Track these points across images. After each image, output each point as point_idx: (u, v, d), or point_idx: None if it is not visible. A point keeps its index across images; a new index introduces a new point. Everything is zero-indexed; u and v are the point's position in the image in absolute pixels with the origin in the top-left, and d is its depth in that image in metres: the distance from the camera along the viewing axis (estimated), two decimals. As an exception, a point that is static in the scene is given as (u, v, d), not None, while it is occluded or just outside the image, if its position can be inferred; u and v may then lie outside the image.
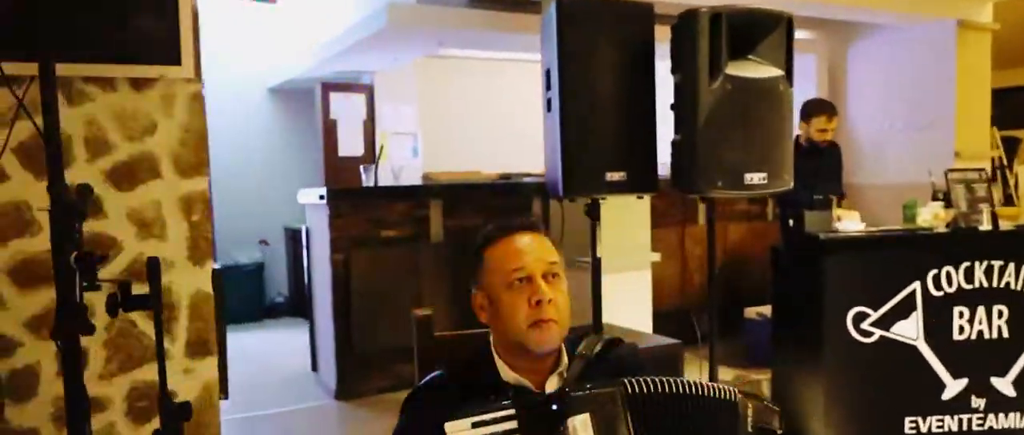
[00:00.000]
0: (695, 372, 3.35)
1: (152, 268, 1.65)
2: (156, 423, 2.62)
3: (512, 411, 1.21)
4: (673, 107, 2.89)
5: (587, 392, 1.23)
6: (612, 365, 1.41)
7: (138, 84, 2.59)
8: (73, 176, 2.50)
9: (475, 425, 1.21)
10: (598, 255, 3.03)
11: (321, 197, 3.91)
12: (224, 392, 3.51)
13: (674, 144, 2.88)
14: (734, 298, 5.00)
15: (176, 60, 2.55)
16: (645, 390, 1.25)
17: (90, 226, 2.52)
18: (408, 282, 4.04)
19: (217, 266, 3.43)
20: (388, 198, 4.15)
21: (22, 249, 2.44)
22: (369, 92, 6.36)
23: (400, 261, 4.03)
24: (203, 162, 2.71)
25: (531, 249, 1.39)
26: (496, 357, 1.39)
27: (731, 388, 1.32)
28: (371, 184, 4.33)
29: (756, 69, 2.77)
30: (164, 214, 2.63)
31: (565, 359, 1.42)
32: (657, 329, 3.96)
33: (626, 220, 3.81)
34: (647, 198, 3.79)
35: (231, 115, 6.67)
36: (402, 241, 4.10)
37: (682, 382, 1.28)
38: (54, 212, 1.71)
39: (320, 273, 4.17)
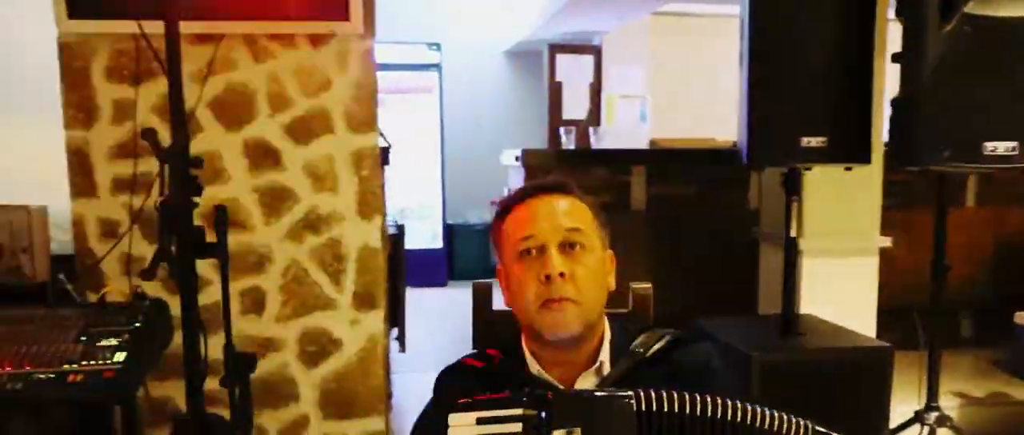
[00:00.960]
0: (910, 385, 2.78)
1: (219, 218, 1.66)
2: (325, 367, 2.76)
3: (519, 412, 1.00)
4: (895, 58, 2.36)
5: (585, 398, 0.99)
6: (673, 369, 1.13)
7: (316, 41, 2.67)
8: (257, 130, 2.67)
9: (479, 421, 1.02)
10: (792, 235, 2.60)
11: (516, 159, 3.85)
12: (401, 346, 3.63)
13: (893, 104, 2.36)
14: (1008, 297, 4.15)
15: (344, 15, 2.59)
16: (666, 408, 0.97)
17: (271, 177, 2.68)
18: (603, 251, 3.85)
19: (392, 225, 3.51)
20: (587, 162, 3.98)
21: (214, 195, 2.65)
22: (597, 54, 6.18)
23: (595, 228, 3.86)
24: (372, 118, 2.74)
25: (545, 214, 1.17)
26: (524, 345, 1.18)
27: (807, 425, 0.98)
28: (572, 147, 4.18)
29: (1007, 6, 2.16)
30: (336, 168, 2.71)
31: (605, 354, 1.17)
32: (887, 328, 3.37)
33: (851, 196, 3.26)
34: (877, 169, 3.21)
35: (467, 78, 6.88)
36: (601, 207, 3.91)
37: (736, 407, 0.98)
38: (171, 163, 1.78)
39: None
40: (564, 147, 4.30)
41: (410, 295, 3.97)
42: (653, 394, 1.00)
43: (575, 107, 6.15)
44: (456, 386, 1.17)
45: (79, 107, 2.59)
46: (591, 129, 4.97)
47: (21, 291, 2.47)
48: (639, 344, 1.17)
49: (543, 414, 0.98)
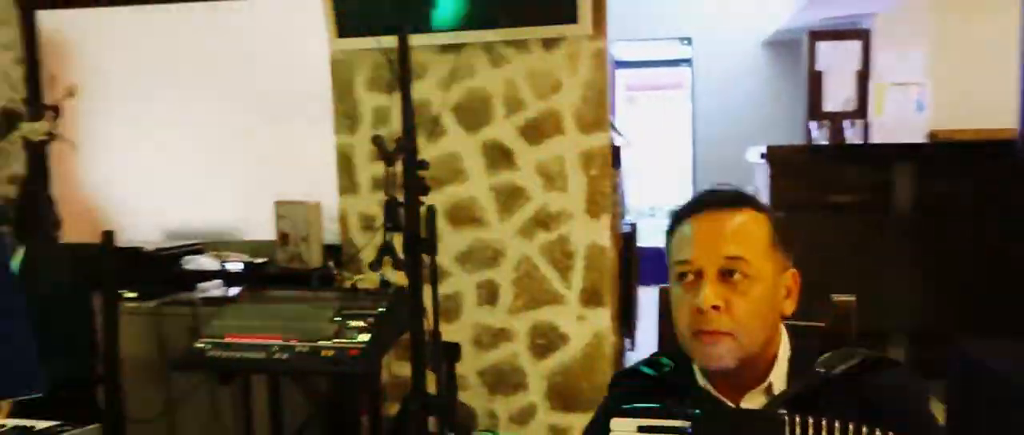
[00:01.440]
0: None
1: (429, 217, 1.78)
2: (552, 360, 2.86)
3: (685, 424, 0.98)
4: None
5: (733, 416, 0.92)
6: (859, 395, 1.01)
7: (548, 45, 2.77)
8: (494, 132, 2.83)
9: (641, 430, 1.01)
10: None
11: (762, 155, 3.65)
12: (631, 343, 3.62)
13: None
14: None
15: (572, 18, 2.64)
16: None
17: (506, 177, 2.83)
18: (856, 258, 3.51)
19: (626, 224, 3.50)
20: (840, 159, 3.66)
21: (455, 193, 2.87)
22: (865, 39, 5.62)
23: (849, 233, 3.53)
24: (602, 119, 2.78)
25: (706, 237, 1.07)
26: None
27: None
28: (824, 142, 3.86)
29: None
30: (566, 168, 2.79)
31: (779, 372, 1.08)
32: None
33: None
34: None
35: (720, 72, 6.65)
36: (856, 209, 3.57)
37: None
38: (408, 164, 1.95)
39: (760, 236, 3.92)
40: (815, 142, 4.00)
41: (647, 294, 3.96)
42: (811, 420, 0.92)
43: (836, 98, 5.66)
44: (625, 391, 1.17)
45: (346, 115, 2.93)
46: (847, 122, 4.57)
47: (300, 275, 2.87)
48: (821, 364, 1.07)
49: (689, 430, 0.95)
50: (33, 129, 3.18)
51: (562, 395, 2.83)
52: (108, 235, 2.54)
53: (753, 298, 1.05)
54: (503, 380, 2.85)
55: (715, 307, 1.03)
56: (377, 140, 1.90)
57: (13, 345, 0.93)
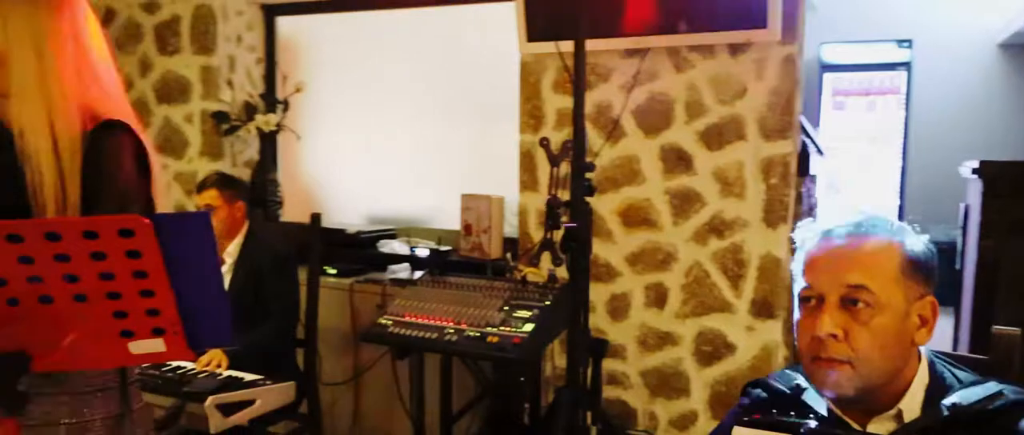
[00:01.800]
0: None
1: (585, 218, 1.82)
2: (717, 368, 2.83)
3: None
4: None
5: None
6: (991, 431, 0.95)
7: (735, 50, 2.73)
8: (672, 136, 2.84)
9: (762, 441, 1.03)
10: None
11: (974, 170, 3.32)
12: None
13: None
14: None
15: (762, 23, 2.58)
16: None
17: (682, 181, 2.83)
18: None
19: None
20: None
21: (630, 195, 2.91)
22: None
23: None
24: (788, 126, 2.69)
25: (830, 264, 1.05)
26: None
27: None
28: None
29: None
30: (745, 175, 2.74)
31: (911, 401, 1.03)
32: None
33: None
34: None
35: (942, 76, 6.08)
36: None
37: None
38: (575, 166, 2.03)
39: (969, 258, 3.55)
40: (1044, 159, 3.55)
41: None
42: None
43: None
44: (753, 401, 1.17)
45: (531, 115, 3.07)
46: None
47: (478, 264, 3.05)
48: (961, 398, 1.00)
49: None
50: (266, 120, 3.64)
51: (725, 405, 2.78)
52: (316, 217, 2.86)
53: (876, 328, 1.02)
54: (665, 383, 2.86)
55: (833, 335, 1.02)
56: (543, 142, 1.99)
57: (212, 302, 1.12)
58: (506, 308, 2.44)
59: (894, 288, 1.05)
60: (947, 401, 1.01)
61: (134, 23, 3.78)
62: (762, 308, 2.73)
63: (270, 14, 3.90)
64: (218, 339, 1.19)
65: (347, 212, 3.78)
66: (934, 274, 1.08)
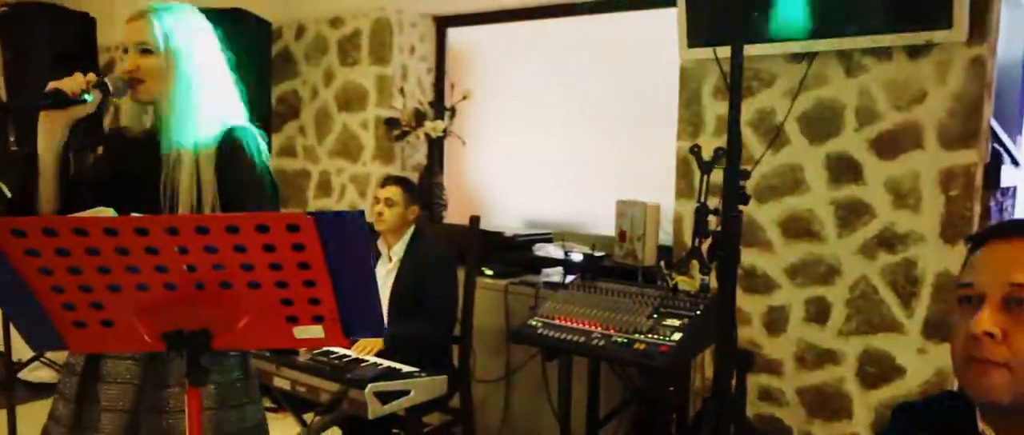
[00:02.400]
0: None
1: (734, 227, 1.78)
2: (883, 392, 2.68)
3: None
4: None
5: None
6: None
7: (914, 53, 2.55)
8: (840, 144, 2.70)
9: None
10: None
11: None
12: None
13: None
14: None
15: (945, 22, 2.40)
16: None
17: (850, 191, 2.68)
18: None
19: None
20: None
21: (792, 204, 2.80)
22: None
23: None
24: (973, 134, 2.48)
25: (993, 262, 0.97)
26: None
27: None
28: None
29: None
30: (920, 186, 2.56)
31: None
32: None
33: None
34: None
35: None
36: None
37: None
38: (728, 174, 1.99)
39: None
40: None
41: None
42: None
43: None
44: (903, 424, 1.10)
45: (690, 121, 3.03)
46: None
47: (631, 271, 3.05)
48: None
49: None
50: (433, 127, 3.84)
51: (893, 432, 2.59)
52: (474, 219, 2.99)
53: None
54: (825, 404, 2.71)
55: (990, 334, 0.95)
56: (693, 149, 1.97)
57: (364, 294, 1.23)
58: (655, 316, 2.42)
59: None
60: None
61: (321, 37, 4.11)
62: (936, 330, 2.53)
63: (442, 25, 4.11)
64: (371, 329, 1.30)
65: (507, 215, 3.90)
66: None
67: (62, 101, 1.51)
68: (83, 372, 1.67)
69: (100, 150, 1.81)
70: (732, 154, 2.00)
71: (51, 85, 1.53)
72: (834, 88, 2.71)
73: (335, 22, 4.05)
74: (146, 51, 1.62)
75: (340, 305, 1.23)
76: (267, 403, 2.28)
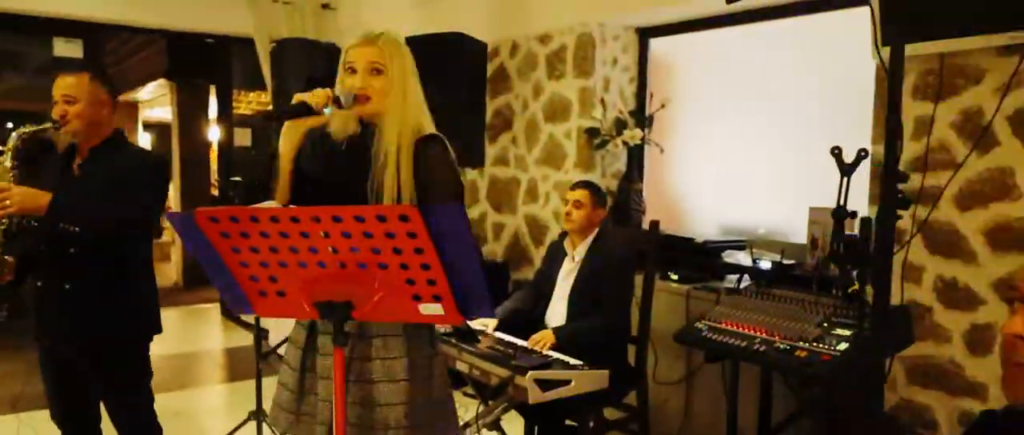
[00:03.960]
0: None
1: (864, 234, 1.70)
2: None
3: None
4: None
5: None
6: None
7: None
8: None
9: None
10: None
11: None
12: None
13: None
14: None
15: None
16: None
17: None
18: None
19: None
20: None
21: (1002, 212, 2.55)
22: None
23: None
24: None
25: None
26: None
27: None
28: None
29: None
30: None
31: None
32: None
33: None
34: None
35: None
36: None
37: None
38: (886, 177, 1.90)
39: None
40: None
41: None
42: None
43: None
44: (981, 425, 1.05)
45: (885, 125, 2.85)
46: None
47: (822, 280, 2.93)
48: None
49: None
50: (632, 135, 3.96)
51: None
52: (655, 224, 3.07)
53: None
54: (1037, 435, 2.42)
55: (1020, 337, 0.91)
56: (834, 151, 1.92)
57: (472, 277, 1.42)
58: (825, 325, 2.35)
59: None
60: None
61: (532, 54, 4.41)
62: None
63: (644, 36, 4.21)
64: (482, 309, 1.48)
65: (707, 222, 3.90)
66: None
67: (306, 111, 1.84)
68: (305, 345, 2.00)
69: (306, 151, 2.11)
70: (890, 154, 1.92)
71: (297, 98, 1.84)
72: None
73: (544, 39, 4.32)
74: (376, 71, 1.88)
75: (453, 286, 1.43)
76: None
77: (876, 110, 2.91)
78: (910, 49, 2.66)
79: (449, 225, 1.35)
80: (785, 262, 3.15)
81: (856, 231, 2.20)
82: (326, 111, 1.86)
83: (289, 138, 1.91)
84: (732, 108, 3.78)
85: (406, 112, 1.90)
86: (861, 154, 1.92)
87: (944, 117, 2.70)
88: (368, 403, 1.87)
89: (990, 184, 2.56)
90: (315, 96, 1.84)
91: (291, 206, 1.94)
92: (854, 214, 1.90)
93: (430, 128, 1.92)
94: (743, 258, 3.32)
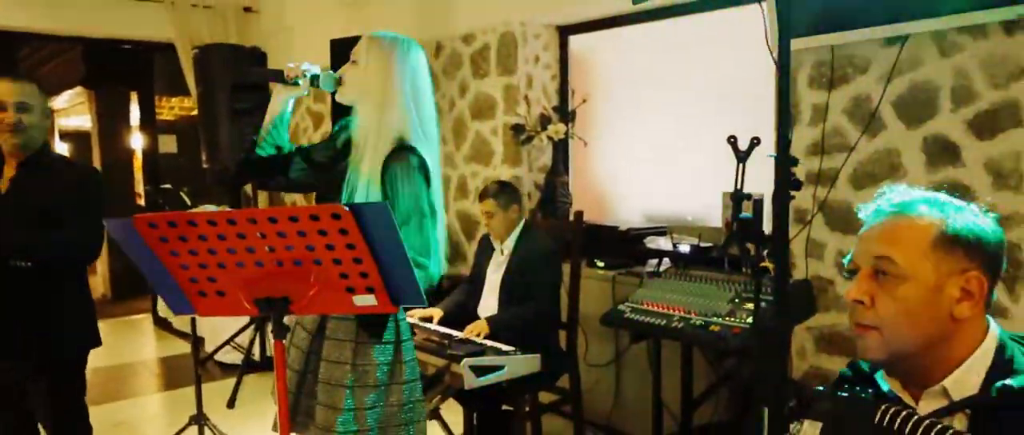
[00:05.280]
0: None
1: (753, 222, 1.87)
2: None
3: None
4: None
5: (829, 396, 0.94)
6: None
7: (1010, 28, 2.48)
8: (936, 126, 2.67)
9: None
10: None
11: None
12: None
13: None
14: None
15: (1038, -5, 2.32)
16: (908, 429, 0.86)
17: (948, 174, 2.64)
18: None
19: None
20: None
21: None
22: None
23: None
24: (1075, 108, 2.37)
25: (868, 237, 1.13)
26: None
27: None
28: None
29: None
30: (1022, 166, 2.47)
31: (968, 376, 1.02)
32: None
33: None
34: None
35: None
36: None
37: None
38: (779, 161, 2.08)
39: None
40: None
41: None
42: (903, 414, 0.92)
43: None
44: (841, 377, 1.23)
45: (776, 114, 3.07)
46: None
47: (735, 259, 3.13)
48: (1018, 381, 0.96)
49: (791, 403, 1.04)
50: (556, 130, 4.11)
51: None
52: (578, 214, 3.22)
53: (900, 296, 1.07)
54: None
55: (859, 301, 1.08)
56: (730, 140, 2.09)
57: (402, 269, 1.52)
58: (736, 300, 2.54)
59: (921, 261, 1.09)
60: (1001, 383, 1.00)
61: (457, 53, 4.51)
62: (1043, 315, 2.44)
63: (564, 34, 4.37)
64: (413, 299, 1.59)
65: (631, 211, 4.08)
66: (983, 251, 1.08)
67: (280, 78, 2.02)
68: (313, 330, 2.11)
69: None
70: (783, 139, 2.10)
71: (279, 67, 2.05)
72: (929, 70, 2.67)
73: (467, 39, 4.43)
74: (352, 62, 2.04)
75: (385, 279, 1.54)
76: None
77: (777, 98, 3.11)
78: (804, 42, 2.91)
79: (376, 221, 1.46)
80: (703, 245, 3.35)
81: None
82: (299, 82, 2.04)
83: (274, 98, 2.09)
84: (649, 101, 3.97)
85: (384, 112, 1.98)
86: (754, 142, 2.10)
87: (837, 104, 2.92)
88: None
89: (879, 164, 2.80)
90: (289, 68, 2.03)
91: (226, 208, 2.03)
92: (749, 196, 2.07)
93: (411, 139, 1.99)
94: (664, 243, 3.51)
